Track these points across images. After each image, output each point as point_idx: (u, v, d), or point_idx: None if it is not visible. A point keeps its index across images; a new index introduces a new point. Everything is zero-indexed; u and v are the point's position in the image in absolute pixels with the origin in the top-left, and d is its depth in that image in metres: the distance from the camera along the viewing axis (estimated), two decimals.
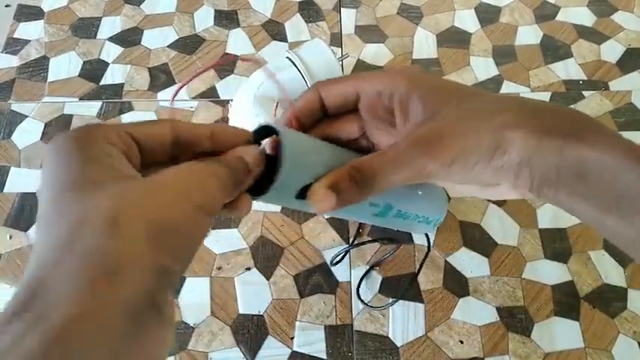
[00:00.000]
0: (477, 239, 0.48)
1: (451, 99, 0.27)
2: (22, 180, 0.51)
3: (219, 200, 0.22)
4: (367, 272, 0.46)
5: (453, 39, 0.61)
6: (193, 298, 0.45)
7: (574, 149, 0.25)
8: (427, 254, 0.45)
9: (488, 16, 0.63)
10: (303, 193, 0.27)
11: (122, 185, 0.19)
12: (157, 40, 0.61)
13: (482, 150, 0.26)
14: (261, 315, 0.45)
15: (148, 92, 0.57)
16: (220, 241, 0.48)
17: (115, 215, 0.18)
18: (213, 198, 0.22)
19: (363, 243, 0.47)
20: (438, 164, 0.26)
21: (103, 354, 0.16)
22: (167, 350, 0.20)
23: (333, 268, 0.46)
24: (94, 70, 0.58)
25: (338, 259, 0.46)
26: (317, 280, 0.46)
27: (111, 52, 0.60)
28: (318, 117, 0.31)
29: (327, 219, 0.49)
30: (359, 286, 0.45)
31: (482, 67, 0.58)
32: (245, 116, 0.48)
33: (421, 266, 0.45)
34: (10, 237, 0.48)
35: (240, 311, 0.45)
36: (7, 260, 0.47)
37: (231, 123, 0.51)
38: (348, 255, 0.47)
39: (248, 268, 0.47)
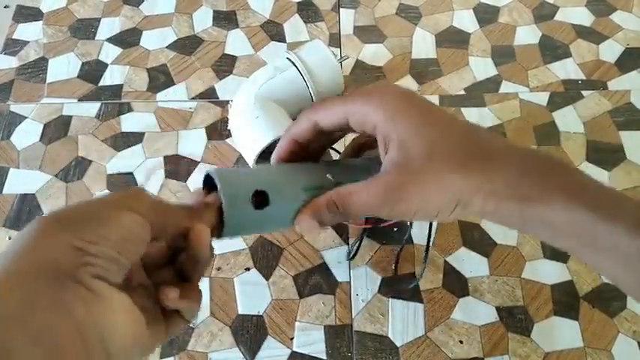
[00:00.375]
0: (477, 239, 0.48)
1: (424, 147, 0.30)
2: (22, 181, 0.51)
3: (149, 206, 0.28)
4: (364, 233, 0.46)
5: (452, 39, 0.61)
6: None
7: (533, 209, 0.28)
8: (430, 234, 0.44)
9: (487, 16, 0.63)
10: (259, 205, 0.32)
11: None
12: (155, 40, 0.61)
13: (443, 207, 0.29)
14: (261, 315, 0.45)
15: (147, 93, 0.57)
16: (220, 241, 0.48)
17: (43, 217, 0.24)
18: (139, 202, 0.27)
19: (376, 226, 0.46)
20: (403, 214, 0.30)
21: (20, 302, 0.21)
22: (109, 327, 0.23)
23: (332, 268, 0.46)
24: (92, 71, 0.58)
25: (354, 250, 0.46)
26: (316, 280, 0.46)
27: (110, 52, 0.60)
28: (318, 136, 0.35)
29: None
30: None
31: (481, 67, 0.58)
32: (245, 117, 0.47)
33: (426, 252, 0.45)
34: (10, 238, 0.48)
35: (240, 312, 0.45)
36: None
37: (231, 124, 0.51)
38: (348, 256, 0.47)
39: (247, 269, 0.47)
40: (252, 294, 0.45)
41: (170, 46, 0.60)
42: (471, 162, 0.29)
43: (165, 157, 0.52)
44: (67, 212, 0.26)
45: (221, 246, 0.48)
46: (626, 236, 0.26)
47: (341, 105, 0.33)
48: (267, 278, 0.46)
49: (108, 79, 0.58)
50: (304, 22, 0.62)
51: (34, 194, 0.50)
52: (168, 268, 0.30)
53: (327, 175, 0.36)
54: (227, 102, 0.55)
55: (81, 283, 0.23)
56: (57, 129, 0.54)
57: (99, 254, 0.24)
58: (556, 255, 0.47)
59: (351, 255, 0.46)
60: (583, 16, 0.63)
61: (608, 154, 0.53)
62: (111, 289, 0.24)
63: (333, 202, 0.32)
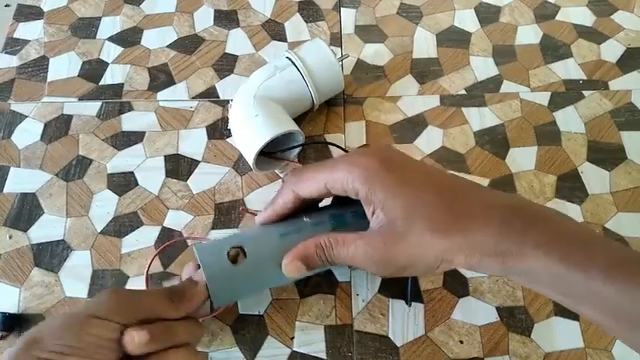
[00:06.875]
0: None
1: (403, 210, 0.31)
2: (22, 180, 0.51)
3: (117, 310, 0.31)
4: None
5: (453, 39, 0.61)
6: None
7: (513, 263, 0.29)
8: None
9: (488, 15, 0.63)
10: (236, 261, 0.35)
11: None
12: (156, 40, 0.61)
13: (428, 265, 0.31)
14: (261, 315, 0.45)
15: (148, 92, 0.57)
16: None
17: (19, 338, 0.29)
18: (107, 308, 0.31)
19: None
20: (392, 273, 0.33)
21: None
22: None
23: (333, 268, 0.46)
24: (93, 70, 0.58)
25: None
26: (317, 280, 0.46)
27: (110, 52, 0.60)
28: (299, 204, 0.37)
29: None
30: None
31: (481, 67, 0.58)
32: (244, 116, 0.47)
33: None
34: (10, 237, 0.48)
35: (240, 311, 0.45)
36: (7, 260, 0.47)
37: (231, 123, 0.51)
38: None
39: None
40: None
41: (171, 46, 0.60)
42: (452, 224, 0.30)
43: (166, 157, 0.52)
44: (38, 330, 0.30)
45: None
46: (601, 283, 0.27)
47: (322, 175, 0.35)
48: None
49: (109, 78, 0.58)
50: (305, 21, 0.62)
51: (34, 193, 0.50)
52: None
53: (304, 218, 0.37)
54: (228, 101, 0.55)
55: None
56: (58, 128, 0.54)
57: None
58: None
59: None
60: (584, 16, 0.62)
61: (608, 154, 0.53)
62: None
63: (322, 247, 0.33)
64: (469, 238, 0.30)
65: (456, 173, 0.51)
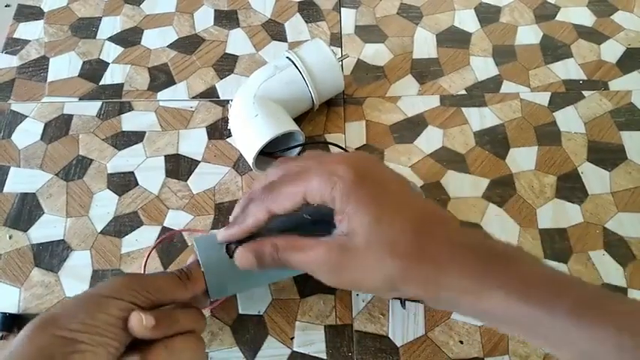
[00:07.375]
0: None
1: (368, 228, 0.30)
2: (22, 180, 0.51)
3: (130, 291, 0.32)
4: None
5: (453, 39, 0.61)
6: None
7: (473, 301, 0.29)
8: None
9: (488, 15, 0.63)
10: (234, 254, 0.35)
11: None
12: (156, 40, 0.61)
13: (377, 286, 0.31)
14: (261, 315, 0.45)
15: (148, 92, 0.57)
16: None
17: (33, 320, 0.30)
18: (120, 289, 0.32)
19: None
20: (345, 284, 0.34)
21: None
22: None
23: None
24: (93, 70, 0.58)
25: None
26: (317, 280, 0.46)
27: (111, 52, 0.60)
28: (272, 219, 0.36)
29: None
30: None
31: (482, 67, 0.58)
32: (244, 116, 0.48)
33: None
34: (10, 237, 0.48)
35: (240, 311, 0.45)
36: (7, 260, 0.47)
37: (231, 123, 0.51)
38: None
39: None
40: (253, 294, 0.45)
41: (171, 46, 0.60)
42: (410, 253, 0.30)
43: (166, 157, 0.52)
44: (54, 311, 0.30)
45: None
46: (569, 323, 0.27)
47: (299, 189, 0.33)
48: None
49: (109, 78, 0.58)
50: (305, 21, 0.62)
51: (34, 193, 0.50)
52: None
53: (304, 215, 0.37)
54: (228, 101, 0.55)
55: None
56: (58, 128, 0.54)
57: (87, 341, 0.29)
58: (556, 255, 0.47)
59: None
60: (584, 17, 0.63)
61: (608, 154, 0.53)
62: None
63: (277, 247, 0.33)
64: (424, 271, 0.29)
65: (456, 173, 0.51)
